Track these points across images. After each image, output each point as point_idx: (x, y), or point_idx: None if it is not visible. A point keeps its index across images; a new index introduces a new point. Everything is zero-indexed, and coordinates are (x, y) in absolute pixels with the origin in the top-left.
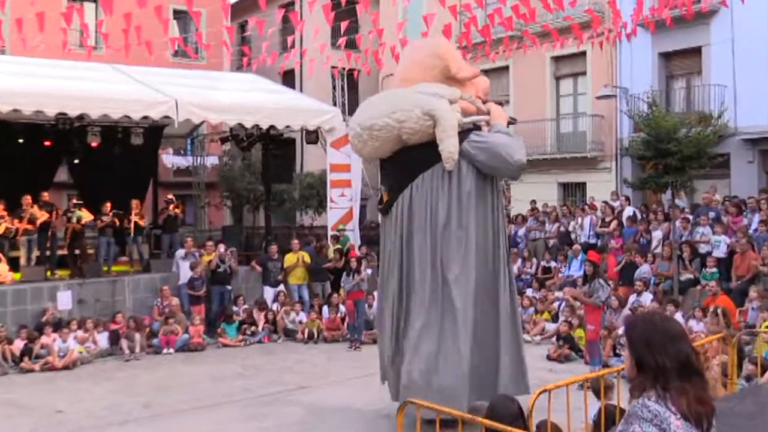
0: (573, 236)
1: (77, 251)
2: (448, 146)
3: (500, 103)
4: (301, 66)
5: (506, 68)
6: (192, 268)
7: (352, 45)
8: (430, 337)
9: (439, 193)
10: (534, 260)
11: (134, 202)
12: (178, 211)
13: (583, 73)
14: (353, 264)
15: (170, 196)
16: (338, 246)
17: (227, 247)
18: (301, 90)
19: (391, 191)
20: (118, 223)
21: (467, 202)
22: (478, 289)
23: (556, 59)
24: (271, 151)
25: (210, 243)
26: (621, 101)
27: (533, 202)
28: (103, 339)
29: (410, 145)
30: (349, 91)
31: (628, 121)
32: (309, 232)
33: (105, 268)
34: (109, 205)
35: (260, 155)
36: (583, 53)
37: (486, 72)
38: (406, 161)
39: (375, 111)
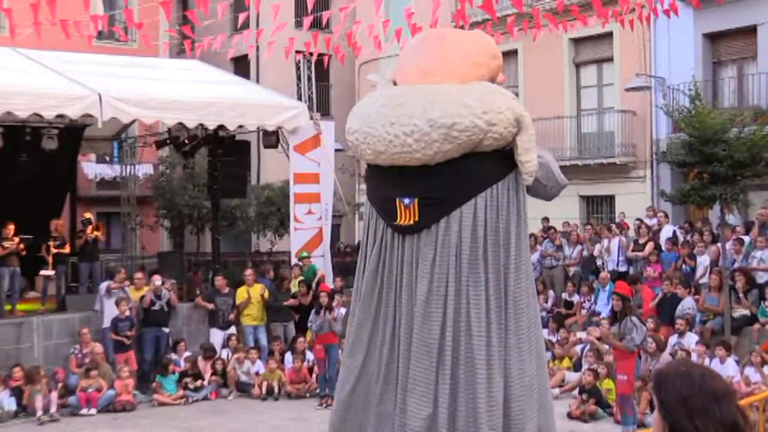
0: (599, 263)
1: None
2: (534, 157)
3: None
4: (257, 51)
5: (513, 54)
6: (119, 305)
7: (320, 24)
8: (518, 393)
9: (510, 213)
10: (550, 293)
11: (54, 224)
12: (98, 233)
13: (610, 60)
14: (323, 300)
15: (88, 216)
16: (304, 277)
17: (164, 279)
18: (257, 80)
19: (425, 205)
20: (25, 250)
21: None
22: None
23: (576, 42)
24: (220, 157)
25: (141, 274)
26: (656, 94)
27: (546, 220)
28: (5, 398)
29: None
30: (318, 81)
31: (666, 119)
32: (268, 260)
33: (8, 307)
34: (12, 227)
35: (206, 163)
36: (609, 35)
37: None
38: (465, 168)
39: (444, 107)
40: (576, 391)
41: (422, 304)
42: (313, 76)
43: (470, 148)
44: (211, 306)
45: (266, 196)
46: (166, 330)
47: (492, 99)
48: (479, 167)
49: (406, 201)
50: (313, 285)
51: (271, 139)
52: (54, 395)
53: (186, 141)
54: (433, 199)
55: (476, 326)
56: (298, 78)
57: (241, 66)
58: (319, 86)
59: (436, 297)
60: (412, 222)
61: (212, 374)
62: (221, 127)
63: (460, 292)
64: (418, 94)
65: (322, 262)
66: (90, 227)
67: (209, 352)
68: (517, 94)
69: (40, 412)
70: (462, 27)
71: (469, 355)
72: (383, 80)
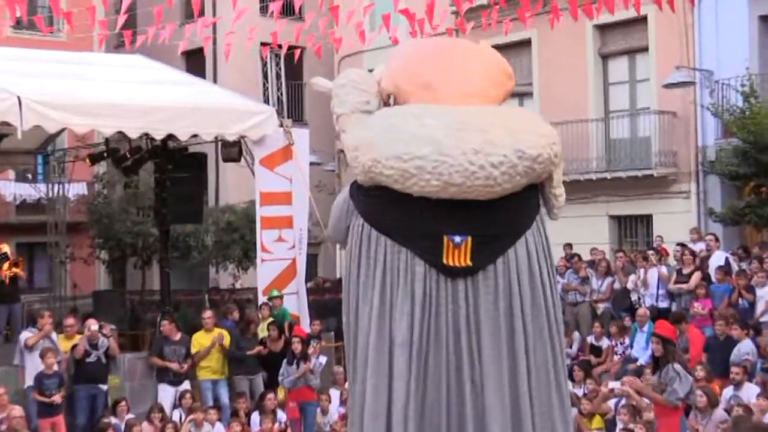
0: (634, 298)
1: None
2: (563, 192)
3: (522, 95)
4: (213, 43)
5: (526, 44)
6: (44, 358)
7: (291, 11)
8: None
9: (541, 255)
10: (575, 336)
11: None
12: (18, 270)
13: (644, 50)
14: (297, 347)
15: (4, 248)
16: (274, 319)
17: (102, 324)
18: (214, 79)
19: (480, 243)
20: None
21: None
22: None
23: (602, 29)
24: (170, 173)
25: (73, 319)
26: (702, 91)
27: (569, 247)
28: None
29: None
30: (289, 80)
31: (714, 121)
32: (229, 299)
33: None
34: None
35: (152, 181)
36: (644, 20)
37: (497, 48)
38: (519, 201)
39: (528, 137)
40: None
41: (492, 363)
42: (282, 73)
43: (533, 181)
44: (164, 364)
45: (227, 221)
46: (104, 387)
47: (549, 127)
48: (529, 200)
49: (457, 239)
50: (285, 329)
51: (232, 151)
52: None
53: (127, 154)
54: (490, 236)
55: (551, 390)
56: (265, 76)
57: (194, 62)
58: (291, 86)
59: (508, 356)
60: (465, 263)
61: None
62: (171, 136)
63: (528, 347)
64: (490, 118)
65: (295, 301)
66: (7, 263)
67: (157, 412)
68: (530, 94)
69: None
70: (462, 14)
71: (547, 423)
72: (362, 89)
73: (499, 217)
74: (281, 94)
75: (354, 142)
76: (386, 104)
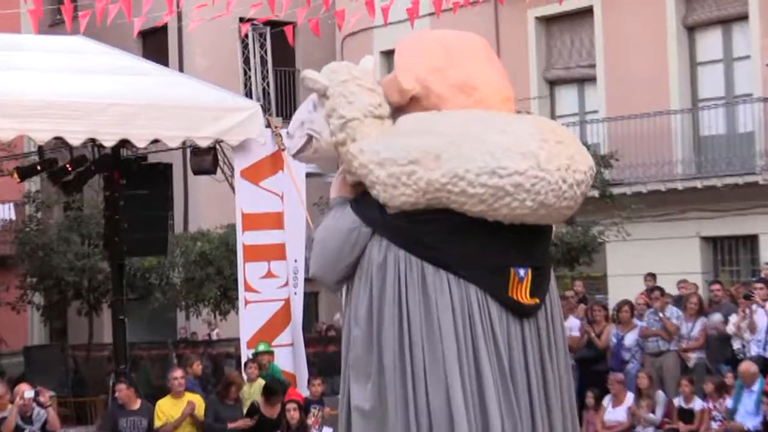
0: (736, 346)
1: None
2: None
3: (583, 81)
4: (178, 20)
5: (587, 13)
6: None
7: None
8: None
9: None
10: (659, 396)
11: None
12: None
13: (742, 18)
14: (293, 416)
15: None
16: (263, 380)
17: (38, 390)
18: (180, 67)
19: (537, 276)
20: None
21: None
22: None
23: None
24: (124, 191)
25: (1, 385)
26: None
27: (651, 278)
28: None
29: None
30: (278, 66)
31: None
32: (204, 354)
33: None
34: None
35: (101, 200)
36: None
37: (547, 21)
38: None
39: (585, 150)
40: None
41: (556, 407)
42: (269, 58)
43: None
44: None
45: (199, 252)
46: None
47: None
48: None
49: (522, 272)
50: (281, 390)
51: (205, 160)
52: None
53: (68, 167)
54: (542, 267)
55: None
56: (246, 62)
57: (154, 44)
58: (280, 74)
59: (561, 394)
60: (531, 300)
61: None
62: (125, 143)
63: (565, 385)
64: (554, 127)
65: (290, 356)
66: None
67: None
68: (593, 79)
69: None
70: None
71: None
72: (369, 88)
73: (546, 245)
74: (267, 85)
75: (397, 155)
76: (399, 108)
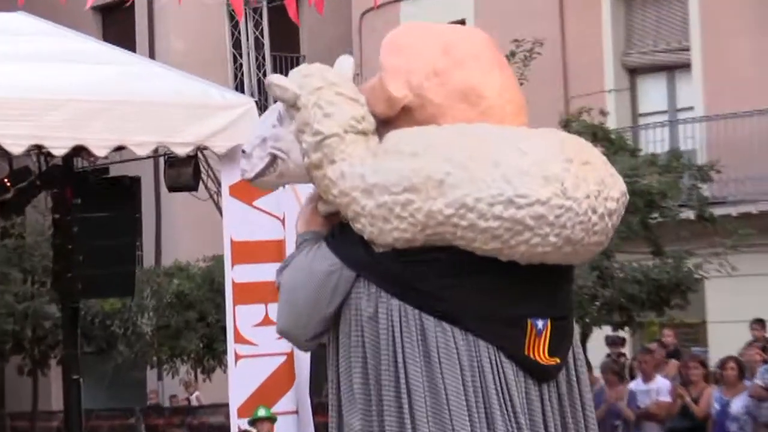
0: None
1: None
2: None
3: (673, 68)
4: None
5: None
6: None
7: None
8: None
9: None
10: None
11: None
12: None
13: None
14: None
15: None
16: None
17: None
18: (150, 52)
19: (557, 328)
20: None
21: None
22: None
23: None
24: (80, 212)
25: None
26: None
27: (760, 325)
28: None
29: None
30: (277, 51)
31: None
32: (183, 425)
33: None
34: None
35: (50, 225)
36: None
37: (627, 5)
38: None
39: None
40: None
41: None
42: (266, 40)
43: None
44: None
45: (176, 291)
46: None
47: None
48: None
49: (540, 324)
50: None
51: (183, 173)
52: None
53: (6, 182)
54: (564, 317)
55: None
56: (237, 45)
57: (117, 23)
58: (281, 61)
59: None
60: (551, 359)
61: None
62: (80, 150)
63: None
64: (580, 145)
65: (294, 427)
66: None
67: None
68: (687, 66)
69: None
70: None
71: None
72: (350, 98)
73: (569, 290)
74: (264, 76)
75: (389, 180)
76: (385, 121)
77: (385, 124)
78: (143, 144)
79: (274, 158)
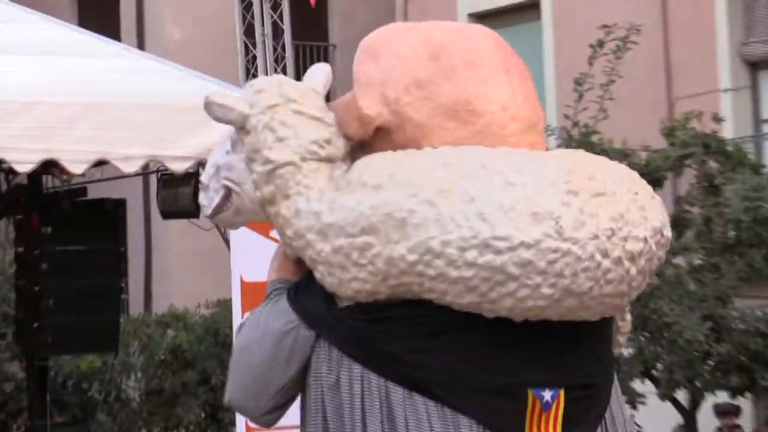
0: None
1: None
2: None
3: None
4: None
5: None
6: None
7: None
8: None
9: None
10: None
11: None
12: None
13: None
14: None
15: None
16: None
17: None
18: (139, 41)
19: (575, 400)
20: None
21: None
22: None
23: None
24: (49, 246)
25: None
26: None
27: None
28: None
29: None
30: (299, 37)
31: None
32: None
33: None
34: None
35: (11, 261)
36: None
37: None
38: (603, 327)
39: (656, 204)
40: None
41: None
42: (287, 27)
43: None
44: None
45: (171, 346)
46: None
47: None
48: (612, 325)
49: (547, 395)
50: None
51: (181, 194)
52: None
53: None
54: (586, 388)
55: None
56: (249, 33)
57: (98, 6)
58: (303, 52)
59: None
60: None
61: None
62: (50, 166)
63: None
64: (597, 170)
65: None
66: None
67: None
68: None
69: None
70: None
71: None
72: (312, 117)
73: (598, 353)
74: (284, 71)
75: (346, 219)
76: (363, 144)
77: (362, 148)
78: (130, 158)
79: (228, 191)
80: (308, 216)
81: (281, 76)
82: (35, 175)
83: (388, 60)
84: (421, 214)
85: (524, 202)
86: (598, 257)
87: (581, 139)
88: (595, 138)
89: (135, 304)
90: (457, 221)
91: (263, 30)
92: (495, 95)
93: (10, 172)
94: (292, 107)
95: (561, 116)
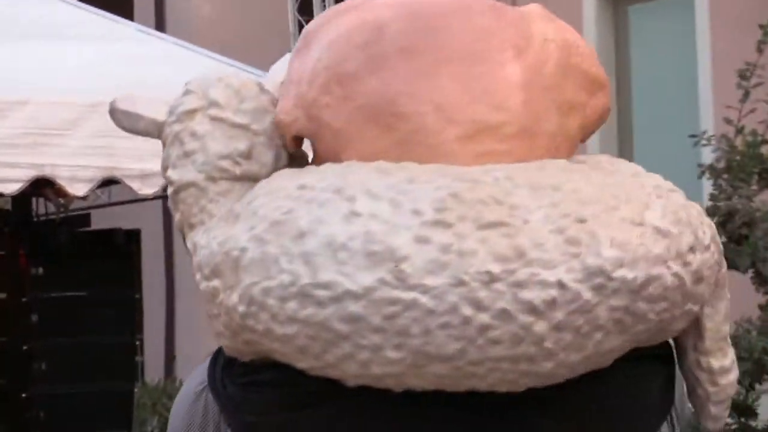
0: None
1: None
2: (733, 363)
3: None
4: None
5: None
6: None
7: None
8: None
9: None
10: None
11: None
12: None
13: None
14: None
15: None
16: None
17: None
18: (158, 22)
19: None
20: None
21: None
22: None
23: None
24: (42, 291)
25: None
26: None
27: None
28: None
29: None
30: None
31: None
32: None
33: None
34: None
35: None
36: None
37: None
38: (616, 395)
39: (616, 222)
40: None
41: None
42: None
43: (646, 342)
44: None
45: None
46: None
47: (679, 193)
48: (642, 391)
49: None
50: None
51: None
52: None
53: None
54: None
55: None
56: (304, 9)
57: None
58: None
59: None
60: None
61: None
62: (42, 185)
63: None
64: (500, 190)
65: None
66: None
67: None
68: None
69: None
70: None
71: None
72: (234, 124)
73: (546, 428)
74: None
75: (210, 256)
76: (293, 157)
77: (317, 161)
78: (147, 176)
79: None
80: (201, 251)
81: (225, 76)
82: (23, 199)
83: (315, 50)
84: (250, 254)
85: (361, 239)
86: (466, 310)
87: (746, 150)
88: (764, 149)
89: (153, 369)
90: (280, 264)
91: (323, 5)
92: (429, 92)
93: None
94: (211, 113)
95: (720, 120)
